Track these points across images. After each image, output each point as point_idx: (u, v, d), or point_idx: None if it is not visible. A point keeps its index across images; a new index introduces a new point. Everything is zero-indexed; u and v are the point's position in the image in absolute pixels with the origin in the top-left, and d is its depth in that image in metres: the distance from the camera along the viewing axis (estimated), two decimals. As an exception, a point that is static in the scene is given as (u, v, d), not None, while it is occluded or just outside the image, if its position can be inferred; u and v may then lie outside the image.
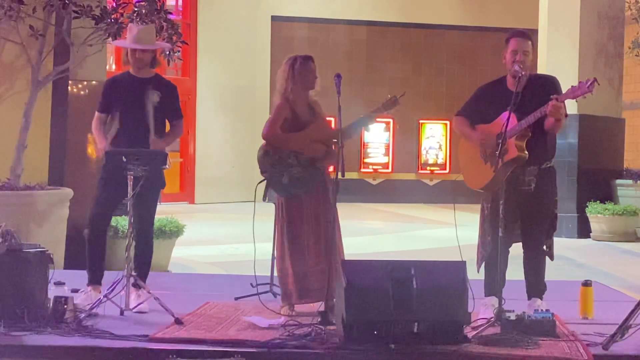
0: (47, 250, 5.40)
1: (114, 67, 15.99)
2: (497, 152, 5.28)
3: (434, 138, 20.02)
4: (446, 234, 11.06)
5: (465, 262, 5.02)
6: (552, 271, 6.02)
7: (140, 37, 6.06)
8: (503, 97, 5.52)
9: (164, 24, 8.50)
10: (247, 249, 5.72)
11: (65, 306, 5.23)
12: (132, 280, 5.72)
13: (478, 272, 5.70)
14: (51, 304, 5.25)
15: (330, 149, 5.88)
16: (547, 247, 5.68)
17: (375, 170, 19.67)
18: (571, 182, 13.03)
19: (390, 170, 19.76)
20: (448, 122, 19.11)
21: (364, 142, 19.50)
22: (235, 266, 8.97)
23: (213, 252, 10.76)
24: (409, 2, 19.59)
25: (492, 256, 5.56)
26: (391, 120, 19.33)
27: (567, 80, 5.97)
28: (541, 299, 5.67)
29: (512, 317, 5.14)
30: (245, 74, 18.63)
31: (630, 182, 13.36)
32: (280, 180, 5.79)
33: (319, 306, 5.54)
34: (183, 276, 8.38)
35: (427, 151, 20.01)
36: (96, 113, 6.17)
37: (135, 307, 5.68)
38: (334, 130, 5.99)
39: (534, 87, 5.58)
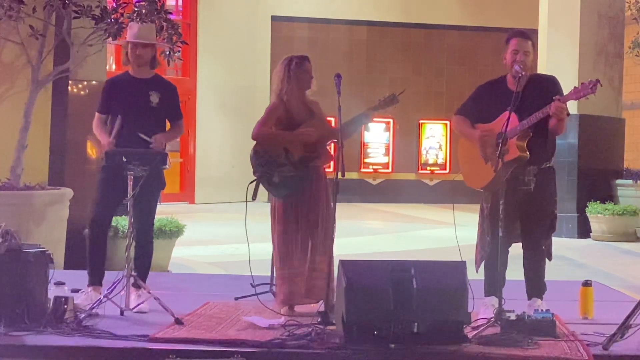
0: (47, 250, 5.40)
1: (114, 67, 15.99)
2: (497, 153, 5.28)
3: (434, 138, 20.02)
4: (446, 234, 11.05)
5: (465, 262, 5.02)
6: (552, 271, 6.02)
7: (141, 34, 6.06)
8: (503, 97, 5.52)
9: (164, 24, 8.50)
10: (247, 249, 5.72)
11: (66, 306, 5.23)
12: (132, 280, 5.72)
13: (477, 272, 5.69)
14: (51, 304, 5.25)
15: (325, 149, 5.87)
16: (544, 247, 5.68)
17: (375, 170, 19.67)
18: (571, 182, 13.03)
19: (390, 170, 19.76)
20: (448, 122, 19.11)
21: (364, 142, 19.50)
22: (235, 266, 8.96)
23: (213, 252, 10.77)
24: (409, 2, 19.59)
25: (492, 256, 5.56)
26: (391, 120, 19.34)
27: (567, 80, 5.98)
28: (541, 299, 5.66)
29: (512, 317, 5.14)
30: (245, 74, 18.62)
31: (630, 182, 13.37)
32: (271, 180, 5.79)
33: (319, 306, 5.54)
34: (183, 276, 8.38)
35: (427, 151, 20.01)
36: (96, 113, 6.16)
37: (135, 307, 5.68)
38: (332, 129, 5.98)
39: (534, 87, 5.58)
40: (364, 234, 12.86)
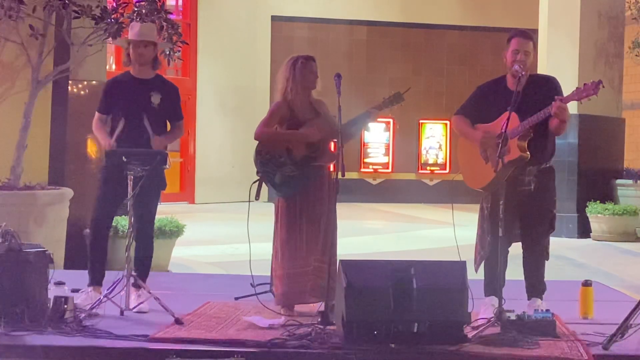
0: (47, 250, 5.40)
1: (114, 67, 15.99)
2: (498, 153, 5.27)
3: (434, 138, 20.02)
4: (446, 234, 11.04)
5: (465, 262, 5.02)
6: (552, 271, 6.02)
7: (142, 32, 6.06)
8: (503, 97, 5.52)
9: (164, 23, 8.51)
10: (247, 249, 5.72)
11: (66, 306, 5.23)
12: (132, 280, 5.72)
13: (476, 272, 5.69)
14: (51, 304, 5.25)
15: (327, 148, 5.86)
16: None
17: (376, 170, 19.67)
18: (571, 182, 13.03)
19: (390, 170, 19.76)
20: (448, 122, 19.10)
21: (364, 142, 19.50)
22: (235, 266, 8.96)
23: (213, 252, 10.76)
24: (409, 2, 19.59)
25: (492, 256, 5.56)
26: (391, 120, 19.34)
27: (567, 80, 5.98)
28: (541, 299, 5.66)
29: (512, 317, 5.14)
30: (245, 74, 18.62)
31: (630, 182, 13.37)
32: (273, 180, 5.79)
33: (319, 306, 5.54)
34: (183, 276, 8.38)
35: (427, 151, 20.01)
36: (96, 113, 6.15)
37: (135, 307, 5.68)
38: (336, 129, 5.97)
39: (533, 87, 5.57)
40: (364, 234, 12.86)
